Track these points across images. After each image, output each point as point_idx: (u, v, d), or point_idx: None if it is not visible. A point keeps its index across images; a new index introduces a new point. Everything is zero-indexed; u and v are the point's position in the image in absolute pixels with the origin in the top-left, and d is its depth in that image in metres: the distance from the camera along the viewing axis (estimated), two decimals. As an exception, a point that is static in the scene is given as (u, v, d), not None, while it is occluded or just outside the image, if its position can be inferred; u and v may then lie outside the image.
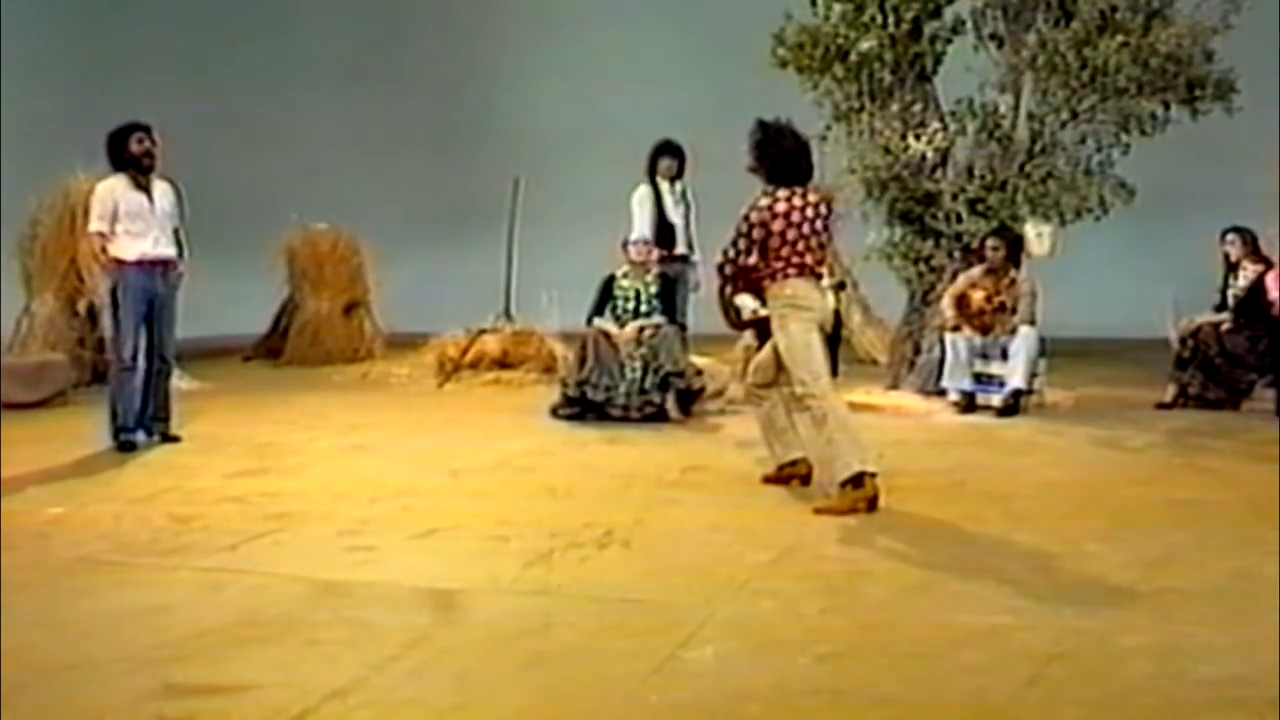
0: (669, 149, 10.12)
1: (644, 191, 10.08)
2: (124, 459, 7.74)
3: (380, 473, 7.22)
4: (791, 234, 6.31)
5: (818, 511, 6.05)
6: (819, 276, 6.52)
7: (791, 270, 6.33)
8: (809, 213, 6.35)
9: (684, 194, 10.17)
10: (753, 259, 6.38)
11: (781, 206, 6.31)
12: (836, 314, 10.35)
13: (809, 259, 6.36)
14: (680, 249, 10.10)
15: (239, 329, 14.57)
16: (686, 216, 10.19)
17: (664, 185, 10.13)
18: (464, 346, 11.90)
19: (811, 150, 6.61)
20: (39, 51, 14.92)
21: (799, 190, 6.40)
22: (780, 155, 6.44)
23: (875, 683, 3.71)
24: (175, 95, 15.37)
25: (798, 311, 6.37)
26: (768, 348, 6.67)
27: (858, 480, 6.06)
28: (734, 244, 6.38)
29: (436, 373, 11.86)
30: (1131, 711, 3.50)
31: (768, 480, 6.72)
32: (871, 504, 6.03)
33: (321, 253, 14.15)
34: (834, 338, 10.04)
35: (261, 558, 5.27)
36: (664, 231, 9.93)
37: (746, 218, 6.35)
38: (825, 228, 6.48)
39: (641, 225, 9.94)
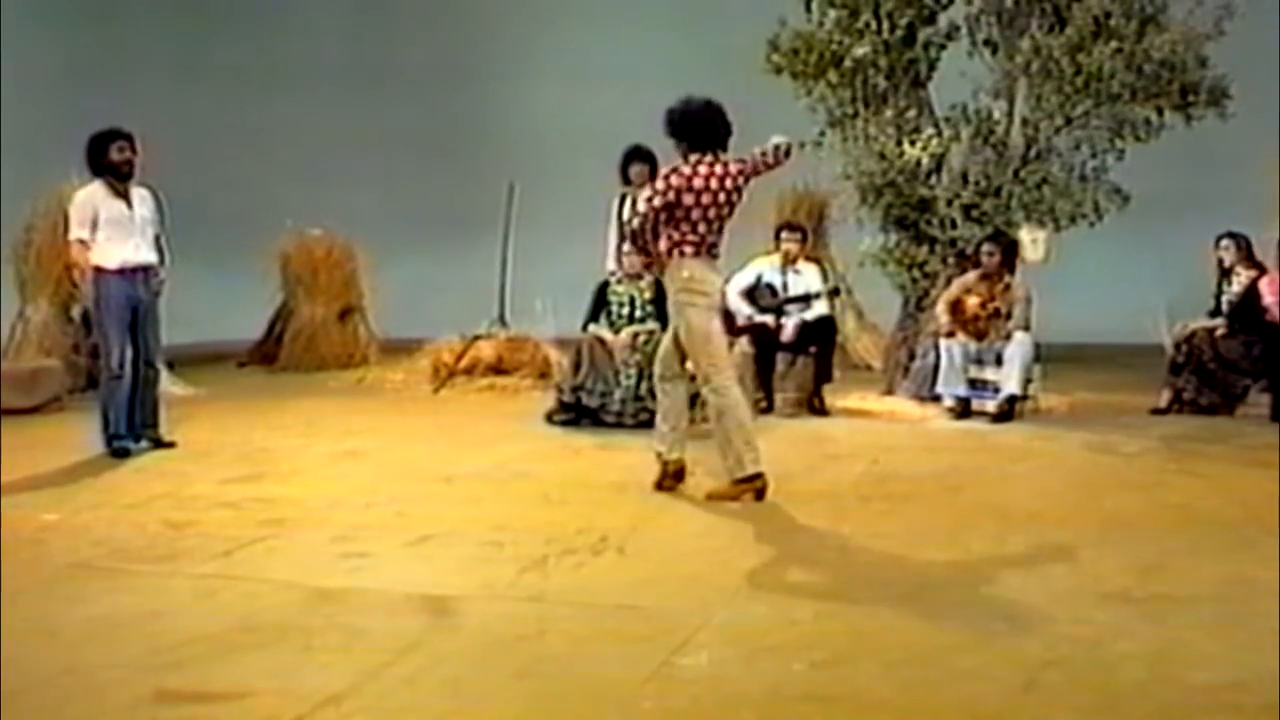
0: (638, 154, 10.12)
1: (615, 202, 10.16)
2: (118, 465, 7.73)
3: (374, 479, 7.22)
4: (696, 213, 6.41)
5: (709, 497, 6.46)
6: (716, 256, 6.60)
7: (688, 248, 6.46)
8: (723, 194, 6.44)
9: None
10: (659, 228, 6.50)
11: (699, 182, 6.41)
12: (831, 320, 10.35)
13: (710, 238, 6.49)
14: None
15: (233, 335, 14.56)
16: None
17: (633, 192, 10.16)
18: (459, 352, 11.90)
19: (725, 114, 6.60)
20: (33, 56, 14.90)
21: (719, 160, 6.48)
22: (693, 118, 6.52)
23: (869, 689, 3.72)
24: (170, 100, 15.41)
25: (694, 297, 6.49)
26: (669, 337, 6.79)
27: (750, 478, 6.43)
28: (647, 206, 6.49)
29: (431, 379, 11.85)
30: (1126, 717, 3.50)
31: (661, 487, 6.66)
32: (760, 494, 6.41)
33: (316, 258, 14.13)
34: (828, 343, 10.05)
35: (256, 564, 5.26)
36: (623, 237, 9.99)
37: (667, 177, 6.47)
38: (739, 197, 6.55)
39: (610, 234, 10.02)
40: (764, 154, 6.60)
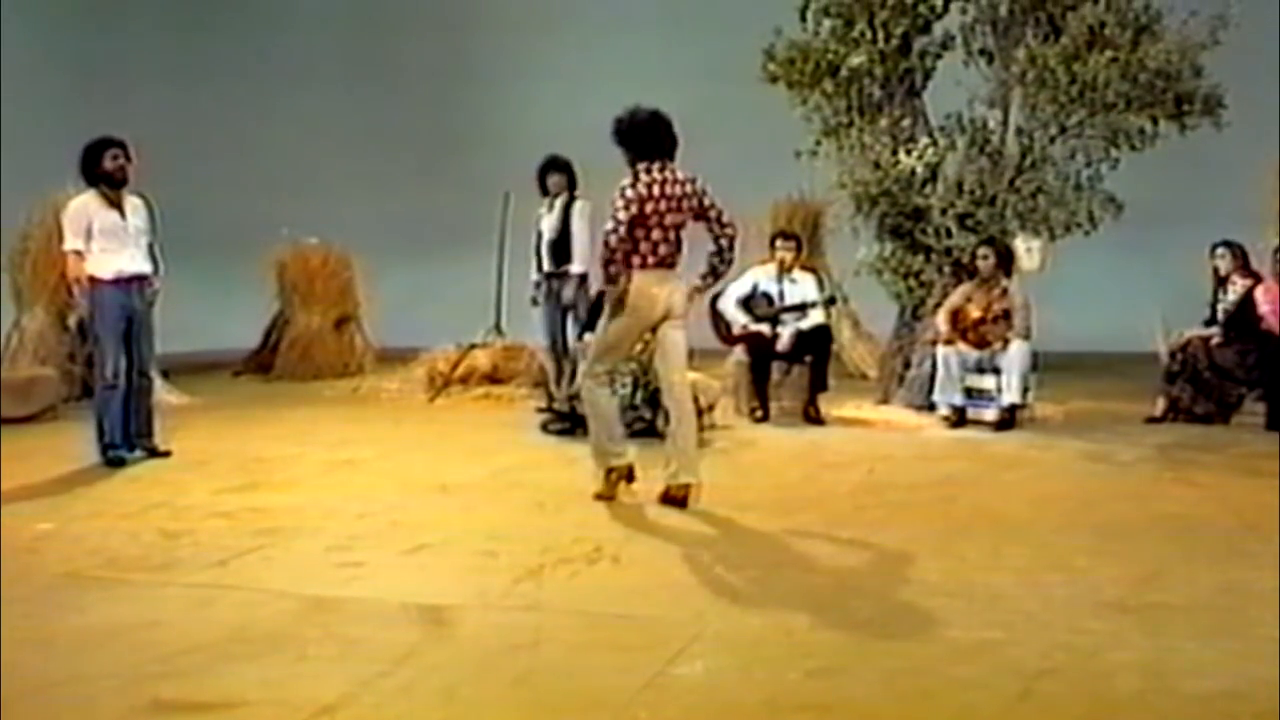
0: (555, 165, 10.19)
1: (542, 210, 10.32)
2: (113, 474, 7.72)
3: (370, 488, 7.21)
4: (653, 220, 6.50)
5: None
6: (671, 266, 6.67)
7: (636, 260, 6.55)
8: (674, 200, 6.54)
9: (567, 208, 10.15)
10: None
11: (657, 190, 6.50)
12: (827, 328, 10.34)
13: (663, 248, 6.57)
14: (548, 266, 10.27)
15: (229, 344, 14.54)
16: (560, 231, 10.17)
17: (549, 203, 10.23)
18: (454, 361, 11.88)
19: (671, 123, 6.68)
20: (26, 65, 14.90)
21: (668, 168, 6.58)
22: (636, 128, 6.63)
23: (864, 698, 3.71)
24: (166, 109, 15.40)
25: (629, 311, 6.61)
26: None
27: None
28: (615, 222, 6.48)
29: (427, 387, 11.84)
30: (1121, 726, 3.51)
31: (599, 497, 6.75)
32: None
33: (312, 267, 14.13)
34: (824, 352, 10.04)
35: (251, 573, 5.26)
36: (539, 248, 10.27)
37: (623, 193, 6.51)
38: (688, 205, 6.61)
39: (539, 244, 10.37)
40: (727, 230, 6.73)
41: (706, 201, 6.68)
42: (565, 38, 16.57)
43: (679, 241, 6.66)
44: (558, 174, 10.21)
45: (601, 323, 6.86)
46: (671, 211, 6.55)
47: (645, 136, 6.60)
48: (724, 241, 6.75)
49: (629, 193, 6.50)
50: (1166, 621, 4.44)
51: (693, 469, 6.60)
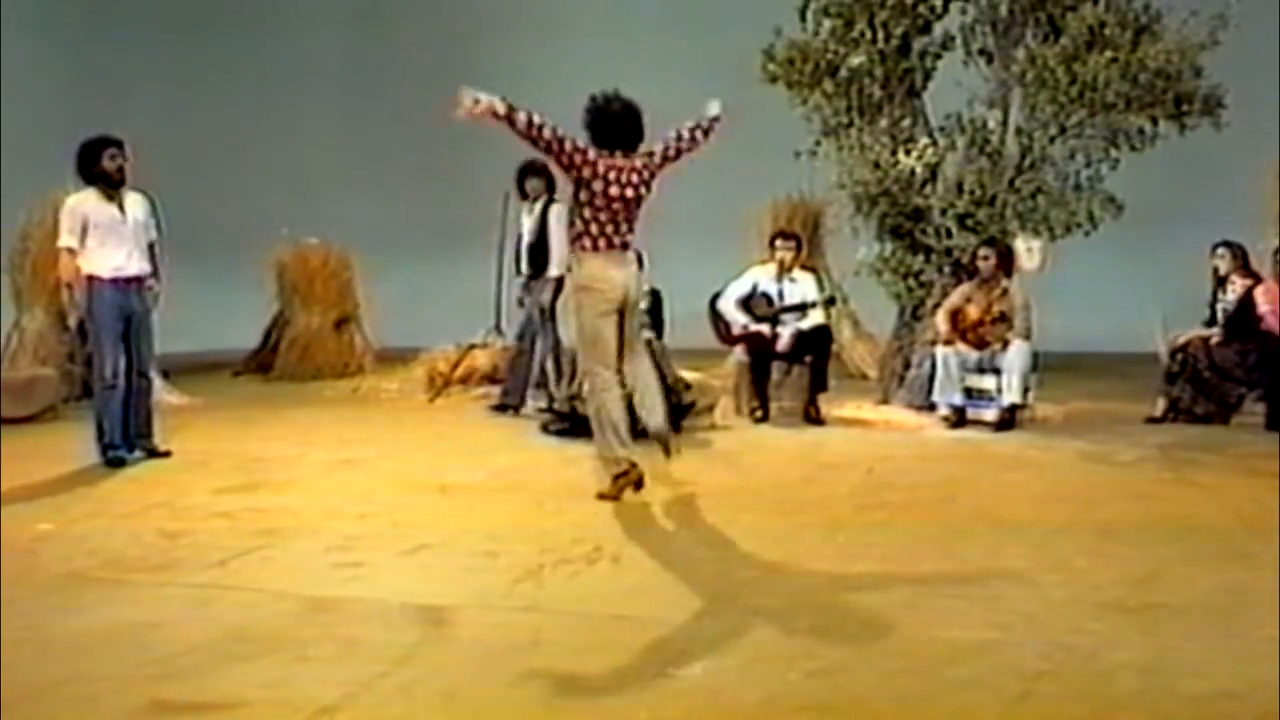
0: (533, 169, 10.19)
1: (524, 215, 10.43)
2: (113, 474, 7.71)
3: (370, 488, 7.21)
4: (600, 201, 6.55)
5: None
6: (625, 248, 6.70)
7: (587, 241, 6.61)
8: (630, 189, 6.61)
9: (544, 212, 10.16)
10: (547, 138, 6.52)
11: (613, 174, 6.57)
12: (827, 329, 10.34)
13: (610, 230, 6.61)
14: (526, 269, 10.30)
15: (229, 344, 14.55)
16: (538, 234, 10.19)
17: (528, 206, 10.25)
18: (454, 361, 11.89)
19: (641, 117, 6.73)
20: (26, 64, 14.91)
21: (629, 157, 6.66)
22: (604, 117, 6.69)
23: (864, 699, 3.71)
24: (166, 108, 15.41)
25: (591, 295, 6.64)
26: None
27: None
28: (555, 127, 6.54)
29: (427, 388, 11.84)
30: (1120, 727, 3.50)
31: (603, 496, 6.74)
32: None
33: (312, 267, 14.13)
34: (824, 352, 10.04)
35: (251, 574, 5.26)
36: (521, 250, 10.34)
37: (588, 148, 6.57)
38: (647, 190, 6.70)
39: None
40: (695, 128, 6.84)
41: (661, 148, 6.77)
42: (565, 38, 16.58)
43: (631, 223, 6.70)
44: (536, 178, 10.22)
45: (571, 321, 6.89)
46: (624, 199, 6.61)
47: (611, 129, 6.67)
48: (694, 139, 6.87)
49: (587, 150, 6.55)
50: (1166, 622, 4.44)
51: (658, 418, 6.79)
